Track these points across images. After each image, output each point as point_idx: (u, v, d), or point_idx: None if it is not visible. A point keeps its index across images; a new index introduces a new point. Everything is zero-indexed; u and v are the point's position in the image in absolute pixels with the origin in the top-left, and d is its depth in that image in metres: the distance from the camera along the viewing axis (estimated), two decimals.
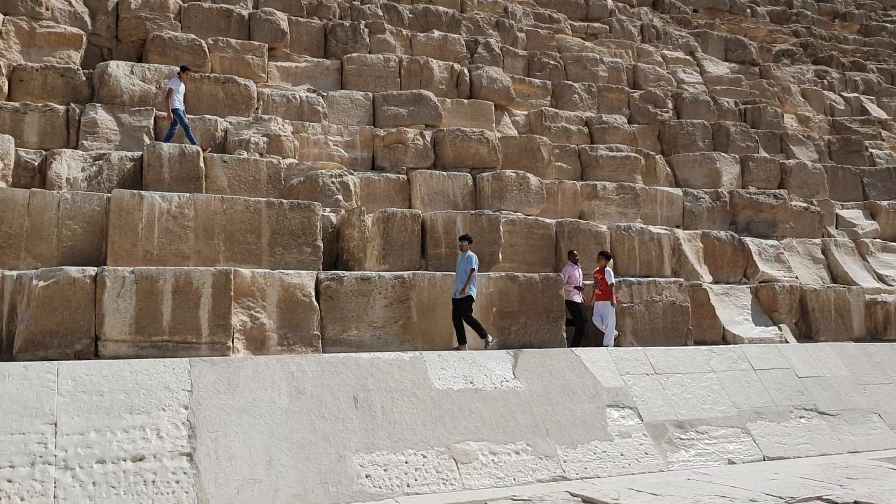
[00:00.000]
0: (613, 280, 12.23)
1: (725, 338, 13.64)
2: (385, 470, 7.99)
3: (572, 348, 10.77)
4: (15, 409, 7.23)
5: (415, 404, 8.69)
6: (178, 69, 13.97)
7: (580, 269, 12.79)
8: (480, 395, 9.11)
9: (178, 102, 13.42)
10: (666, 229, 14.97)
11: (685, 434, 9.90)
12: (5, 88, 13.48)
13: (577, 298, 12.52)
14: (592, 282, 12.52)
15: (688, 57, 23.12)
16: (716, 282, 14.82)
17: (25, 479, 6.80)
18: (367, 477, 7.87)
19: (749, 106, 21.07)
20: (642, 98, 19.73)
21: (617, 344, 12.08)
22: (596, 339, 12.25)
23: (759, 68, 23.96)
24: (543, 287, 12.02)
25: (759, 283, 15.04)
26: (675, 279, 13.48)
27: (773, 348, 12.30)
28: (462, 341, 10.90)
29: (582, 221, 14.18)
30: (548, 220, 13.81)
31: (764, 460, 10.02)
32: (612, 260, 12.61)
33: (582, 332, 12.43)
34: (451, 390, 9.01)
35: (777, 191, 17.42)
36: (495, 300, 11.58)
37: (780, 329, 14.11)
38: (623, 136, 18.25)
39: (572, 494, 8.00)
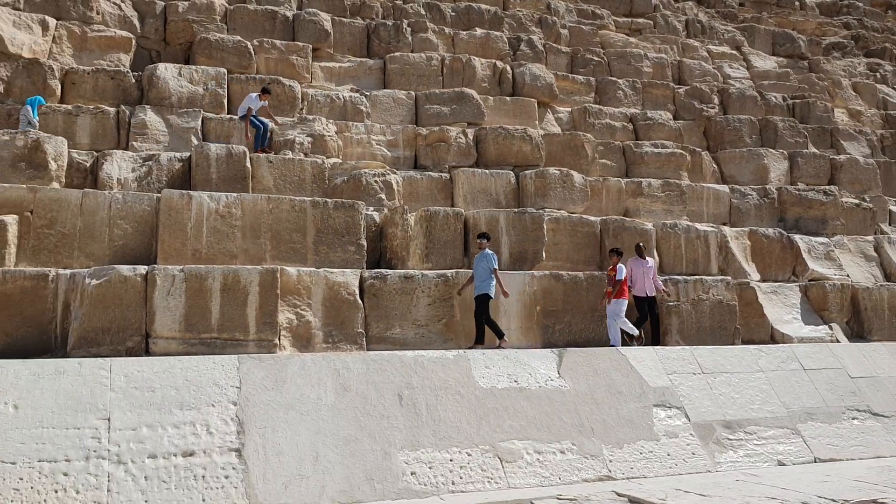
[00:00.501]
0: (623, 276, 11.64)
1: (774, 337, 13.39)
2: (430, 468, 8.02)
3: (618, 347, 10.66)
4: (70, 405, 7.41)
5: (459, 402, 8.70)
6: (225, 68, 14.31)
7: (651, 261, 12.43)
8: (525, 393, 9.09)
9: (254, 115, 13.98)
10: (712, 227, 14.74)
11: (733, 434, 9.75)
12: (58, 91, 13.83)
13: (647, 293, 12.19)
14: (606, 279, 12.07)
15: (734, 52, 22.73)
16: (764, 280, 14.56)
17: (80, 472, 6.97)
18: (412, 474, 7.90)
19: (798, 101, 20.64)
20: (688, 94, 19.47)
21: (657, 343, 11.91)
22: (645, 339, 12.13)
23: (809, 62, 23.45)
24: (588, 285, 11.94)
25: (809, 281, 14.73)
26: (722, 277, 13.27)
27: (823, 348, 12.05)
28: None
29: (627, 219, 14.03)
30: (592, 218, 13.69)
31: (815, 462, 9.82)
32: (623, 256, 12.07)
33: (657, 326, 12.19)
34: (496, 389, 9.00)
35: (827, 187, 17.04)
36: (539, 299, 11.53)
37: (830, 328, 13.80)
38: (668, 132, 18.02)
39: (618, 494, 7.93)
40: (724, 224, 15.82)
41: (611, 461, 8.80)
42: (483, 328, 10.79)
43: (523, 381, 9.24)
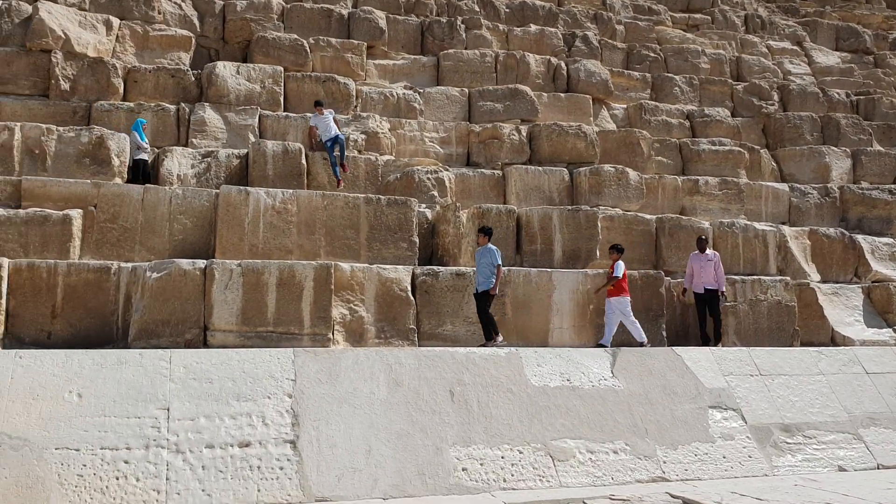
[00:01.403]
0: (620, 273, 11.11)
1: (834, 339, 13.04)
2: (481, 464, 8.02)
3: (673, 347, 10.51)
4: (131, 394, 7.61)
5: (511, 400, 8.68)
6: (281, 67, 14.40)
7: (713, 254, 12.01)
8: (578, 392, 9.02)
9: (324, 134, 13.51)
10: (771, 226, 14.41)
11: (792, 438, 9.52)
12: (121, 89, 14.21)
13: (706, 287, 11.81)
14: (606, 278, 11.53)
15: (795, 47, 22.18)
16: (824, 281, 14.18)
17: (140, 461, 7.15)
18: (463, 470, 7.91)
19: (862, 97, 20.04)
20: (746, 90, 19.07)
21: (717, 343, 11.68)
22: (697, 339, 11.93)
23: (874, 57, 22.75)
24: (643, 285, 11.79)
25: (872, 282, 14.29)
26: (780, 278, 12.98)
27: (887, 351, 11.67)
28: (489, 337, 10.40)
29: (683, 217, 13.80)
30: (647, 216, 13.52)
31: (878, 469, 9.53)
32: (623, 253, 11.46)
33: (717, 325, 11.84)
34: (548, 387, 8.95)
35: (892, 186, 16.54)
36: (593, 298, 11.42)
37: (894, 331, 13.38)
38: (726, 129, 17.69)
39: (672, 496, 7.82)
40: (784, 223, 15.47)
41: (665, 462, 8.68)
42: (488, 326, 10.44)
43: (576, 380, 9.17)
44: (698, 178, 15.46)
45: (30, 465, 6.80)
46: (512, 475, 8.01)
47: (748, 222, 14.20)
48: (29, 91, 13.75)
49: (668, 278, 12.43)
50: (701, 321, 11.92)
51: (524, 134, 15.32)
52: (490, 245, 10.69)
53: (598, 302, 11.39)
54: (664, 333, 11.78)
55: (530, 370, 9.06)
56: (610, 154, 15.52)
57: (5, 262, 9.61)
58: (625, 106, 17.79)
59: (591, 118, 16.87)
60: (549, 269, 11.49)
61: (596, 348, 10.17)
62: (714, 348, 10.96)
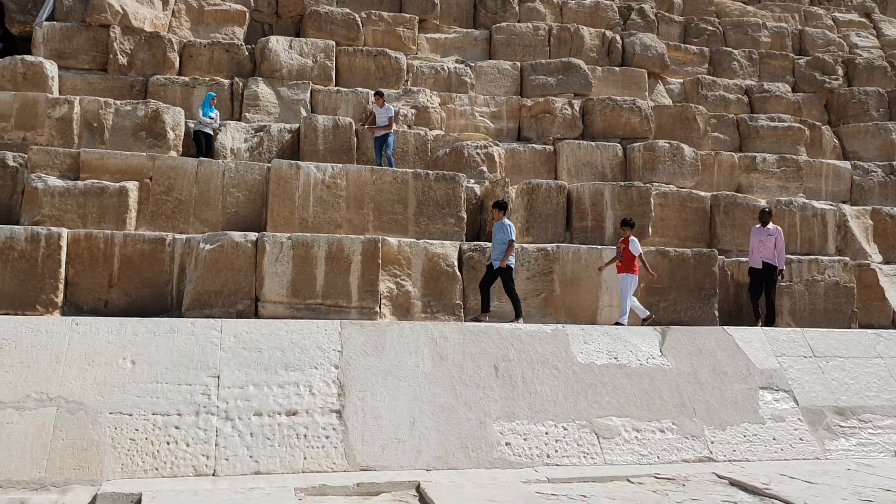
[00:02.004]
0: (640, 250, 10.84)
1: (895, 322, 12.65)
2: (525, 439, 8.01)
3: (724, 327, 10.30)
4: (182, 362, 7.79)
5: (556, 376, 8.64)
6: (333, 41, 14.30)
7: (774, 228, 11.53)
8: (625, 370, 8.92)
9: (382, 123, 13.28)
10: (831, 205, 13.97)
11: (845, 422, 9.28)
12: (176, 64, 14.43)
13: (763, 262, 11.41)
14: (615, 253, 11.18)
15: (862, 19, 21.32)
16: (886, 262, 13.72)
17: (190, 426, 7.33)
18: (506, 444, 7.91)
19: None
20: (809, 65, 18.44)
21: (771, 323, 11.39)
22: (750, 319, 11.67)
23: None
24: (696, 263, 11.58)
25: None
26: (839, 258, 12.60)
27: None
28: (485, 310, 10.33)
29: (739, 195, 13.46)
30: (702, 194, 13.24)
31: None
32: (635, 228, 11.11)
33: (772, 301, 11.40)
34: (594, 364, 8.87)
35: None
36: (643, 276, 11.25)
37: None
38: (786, 105, 17.16)
39: (719, 476, 7.70)
40: (844, 202, 14.99)
41: (712, 442, 8.55)
42: (489, 298, 10.34)
43: (623, 357, 9.07)
44: (756, 154, 15.06)
45: (85, 428, 7.03)
46: (556, 451, 7.99)
47: (806, 201, 13.81)
48: (88, 65, 14.06)
49: (722, 257, 12.18)
50: (754, 298, 11.59)
51: (577, 108, 15.11)
52: (505, 220, 10.51)
53: (648, 280, 11.23)
54: (716, 313, 11.56)
55: (576, 347, 9.00)
56: (665, 129, 15.21)
57: (64, 232, 9.90)
58: (681, 80, 17.39)
59: (646, 93, 16.54)
60: (599, 246, 11.35)
61: (644, 327, 10.03)
62: (767, 328, 10.71)
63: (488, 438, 7.91)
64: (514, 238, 10.32)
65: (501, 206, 10.66)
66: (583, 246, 11.34)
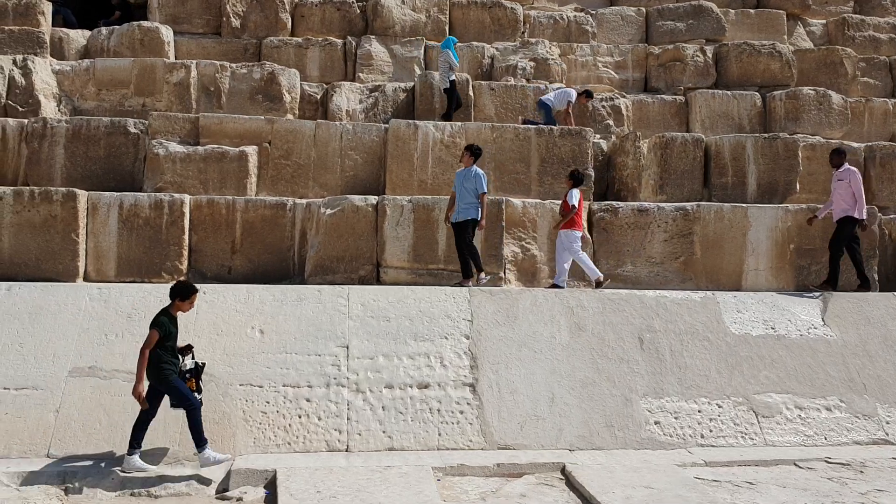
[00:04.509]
0: (575, 203, 9.33)
1: None
2: (675, 418, 7.33)
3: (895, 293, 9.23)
4: (311, 331, 7.48)
5: (707, 349, 7.88)
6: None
7: (849, 169, 9.75)
8: (783, 342, 8.06)
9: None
10: None
11: None
12: (289, 24, 14.11)
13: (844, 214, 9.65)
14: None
15: None
16: None
17: (321, 399, 7.02)
18: (655, 423, 7.26)
19: None
20: None
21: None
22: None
23: None
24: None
25: None
26: None
27: None
28: (467, 275, 9.07)
29: (895, 145, 12.12)
30: (854, 144, 11.97)
31: None
32: (577, 178, 9.61)
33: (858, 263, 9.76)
34: (749, 335, 8.05)
35: None
36: (793, 235, 10.24)
37: None
38: None
39: None
40: None
41: (888, 423, 7.63)
42: (470, 260, 9.08)
43: (781, 328, 8.20)
44: None
45: (216, 400, 6.81)
46: (710, 431, 7.28)
47: None
48: (202, 29, 13.93)
49: (880, 215, 10.96)
50: (834, 260, 9.74)
51: (709, 55, 13.95)
52: (475, 167, 9.26)
53: (799, 241, 10.20)
54: (875, 276, 10.42)
55: (729, 316, 8.19)
56: (807, 75, 13.87)
57: (187, 198, 9.76)
58: (824, 21, 15.83)
59: (785, 36, 15.13)
60: (743, 205, 10.38)
61: (803, 292, 9.07)
62: None
63: (635, 416, 7.28)
64: (487, 190, 9.18)
65: (474, 151, 9.36)
66: (725, 204, 10.38)
